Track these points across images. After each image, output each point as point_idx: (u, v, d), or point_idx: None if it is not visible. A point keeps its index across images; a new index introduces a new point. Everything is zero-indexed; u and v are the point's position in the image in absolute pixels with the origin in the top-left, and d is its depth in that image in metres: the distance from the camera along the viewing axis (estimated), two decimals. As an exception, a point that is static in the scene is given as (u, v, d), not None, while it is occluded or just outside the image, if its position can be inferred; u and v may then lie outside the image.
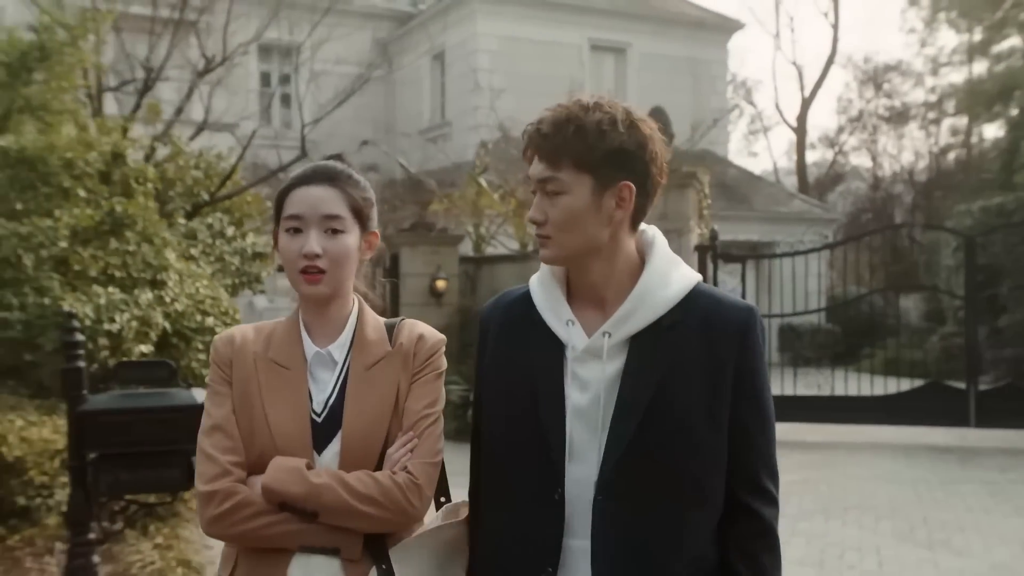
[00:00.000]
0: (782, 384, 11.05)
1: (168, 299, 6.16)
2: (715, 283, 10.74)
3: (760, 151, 56.74)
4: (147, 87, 8.51)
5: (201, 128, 10.60)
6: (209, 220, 8.86)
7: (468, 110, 18.98)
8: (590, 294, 1.72)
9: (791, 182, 27.53)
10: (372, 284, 1.99)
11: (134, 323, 5.71)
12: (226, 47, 10.40)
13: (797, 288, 12.02)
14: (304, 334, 1.85)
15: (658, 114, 10.83)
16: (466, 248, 13.13)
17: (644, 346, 1.66)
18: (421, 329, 1.89)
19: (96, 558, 4.29)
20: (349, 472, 1.73)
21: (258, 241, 9.47)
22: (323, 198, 1.80)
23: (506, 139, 13.88)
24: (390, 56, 22.45)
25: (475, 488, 1.86)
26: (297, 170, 1.90)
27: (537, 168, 1.67)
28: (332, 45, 15.65)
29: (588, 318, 1.70)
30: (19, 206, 5.82)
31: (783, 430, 10.55)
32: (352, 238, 1.83)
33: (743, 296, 10.80)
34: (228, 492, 1.71)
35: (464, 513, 1.87)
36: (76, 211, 5.69)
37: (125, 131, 6.80)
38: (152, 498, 5.02)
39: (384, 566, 1.73)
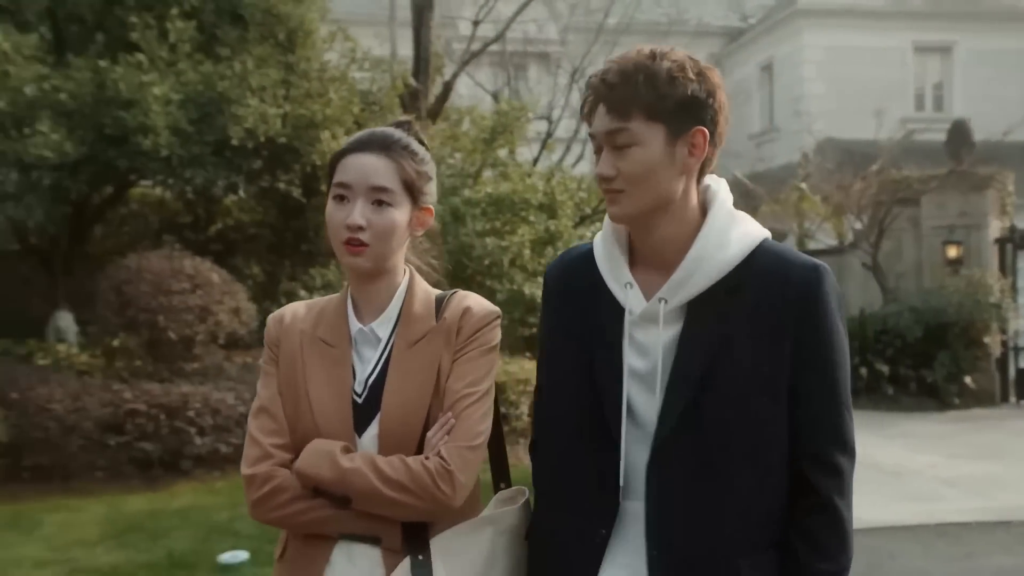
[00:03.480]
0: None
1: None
2: (1014, 271, 12.30)
3: None
4: (549, 135, 12.02)
5: (580, 156, 14.12)
6: (591, 229, 12.21)
7: (793, 116, 20.93)
8: (652, 255, 1.65)
9: None
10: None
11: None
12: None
13: None
14: (350, 310, 1.78)
15: (959, 126, 12.61)
16: (790, 243, 15.47)
17: (702, 312, 1.60)
18: (469, 302, 1.78)
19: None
20: (388, 455, 1.65)
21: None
22: (374, 168, 1.70)
23: (822, 150, 15.94)
24: (723, 69, 24.94)
25: (535, 446, 1.83)
26: None
27: (603, 121, 1.58)
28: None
29: (649, 281, 1.63)
30: (487, 226, 9.36)
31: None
32: (400, 213, 1.72)
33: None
34: (267, 476, 1.67)
35: (521, 499, 1.80)
36: (527, 229, 9.12)
37: (550, 176, 10.31)
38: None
39: (420, 556, 1.65)
